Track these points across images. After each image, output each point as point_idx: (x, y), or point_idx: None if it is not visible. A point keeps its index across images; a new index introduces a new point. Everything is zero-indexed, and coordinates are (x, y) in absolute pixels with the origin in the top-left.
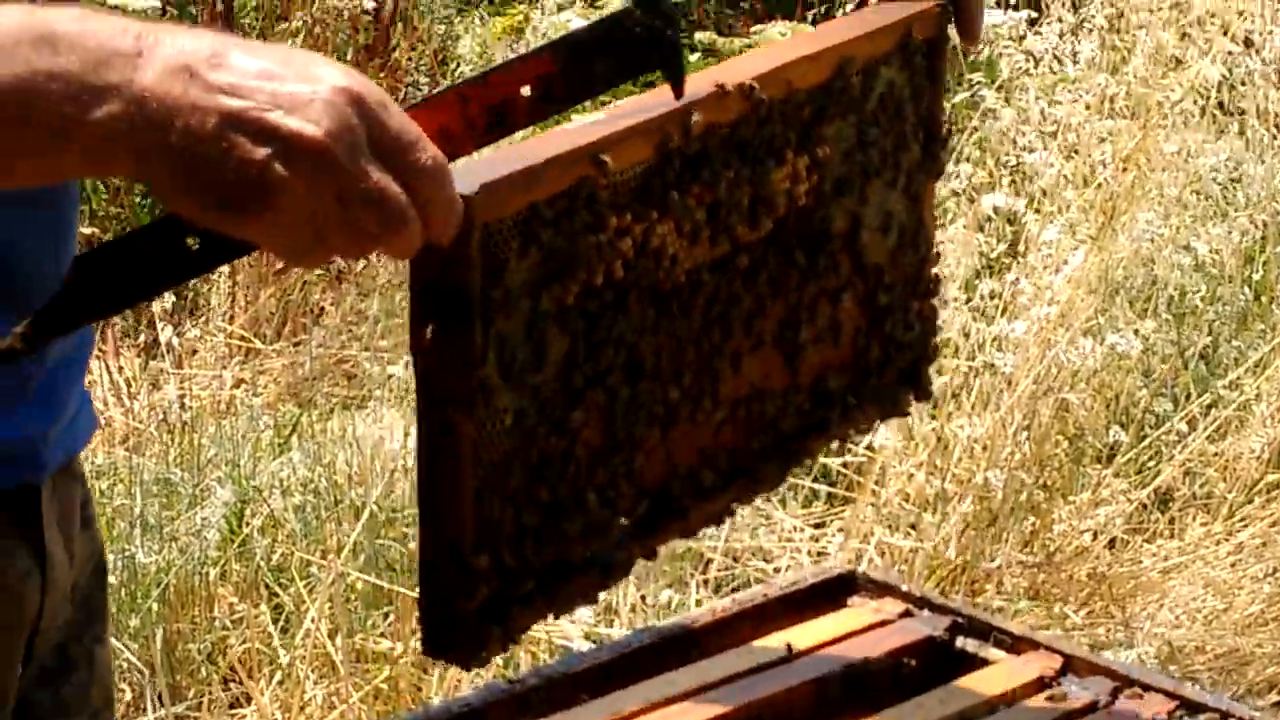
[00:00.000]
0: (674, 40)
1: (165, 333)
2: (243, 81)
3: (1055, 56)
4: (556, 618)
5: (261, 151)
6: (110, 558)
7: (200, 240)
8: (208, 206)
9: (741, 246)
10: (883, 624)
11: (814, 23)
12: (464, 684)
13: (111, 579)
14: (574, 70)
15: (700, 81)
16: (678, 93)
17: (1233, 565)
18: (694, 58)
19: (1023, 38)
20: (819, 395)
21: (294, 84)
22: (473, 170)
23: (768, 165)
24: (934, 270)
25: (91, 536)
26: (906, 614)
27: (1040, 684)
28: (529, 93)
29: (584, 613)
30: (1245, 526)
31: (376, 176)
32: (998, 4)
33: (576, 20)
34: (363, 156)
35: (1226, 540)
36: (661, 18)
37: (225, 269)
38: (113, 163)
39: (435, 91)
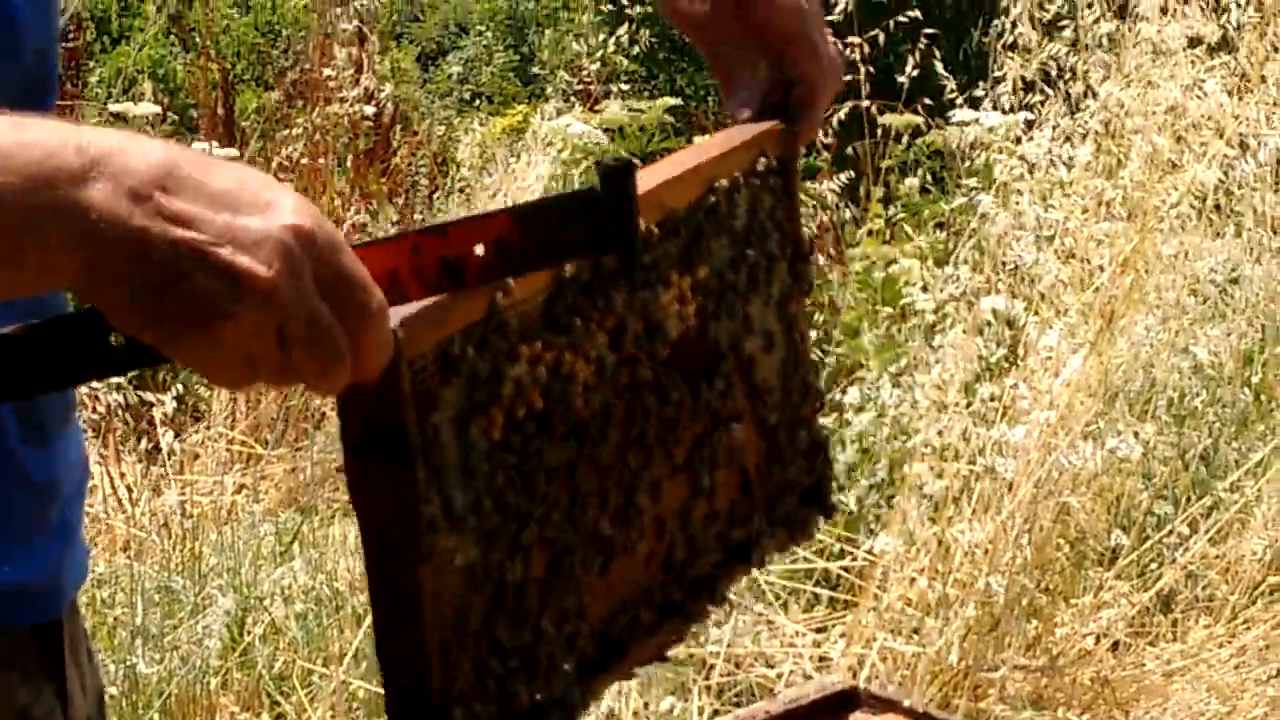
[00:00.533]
0: (633, 229)
1: (166, 438)
2: (196, 210)
3: (1051, 161)
4: None
5: (212, 286)
6: (111, 667)
7: (125, 343)
8: (146, 327)
9: (645, 372)
10: None
11: None
12: None
13: (112, 690)
14: (532, 237)
15: None
16: (630, 281)
17: (1236, 668)
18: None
19: (1018, 140)
20: (734, 522)
21: (248, 216)
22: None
23: (656, 289)
24: (817, 385)
25: (94, 668)
26: None
27: None
28: (483, 252)
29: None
30: (1248, 629)
31: (320, 319)
32: (994, 106)
33: (576, 125)
34: (309, 298)
35: (1229, 643)
36: (627, 203)
37: None
38: (59, 281)
39: (390, 234)
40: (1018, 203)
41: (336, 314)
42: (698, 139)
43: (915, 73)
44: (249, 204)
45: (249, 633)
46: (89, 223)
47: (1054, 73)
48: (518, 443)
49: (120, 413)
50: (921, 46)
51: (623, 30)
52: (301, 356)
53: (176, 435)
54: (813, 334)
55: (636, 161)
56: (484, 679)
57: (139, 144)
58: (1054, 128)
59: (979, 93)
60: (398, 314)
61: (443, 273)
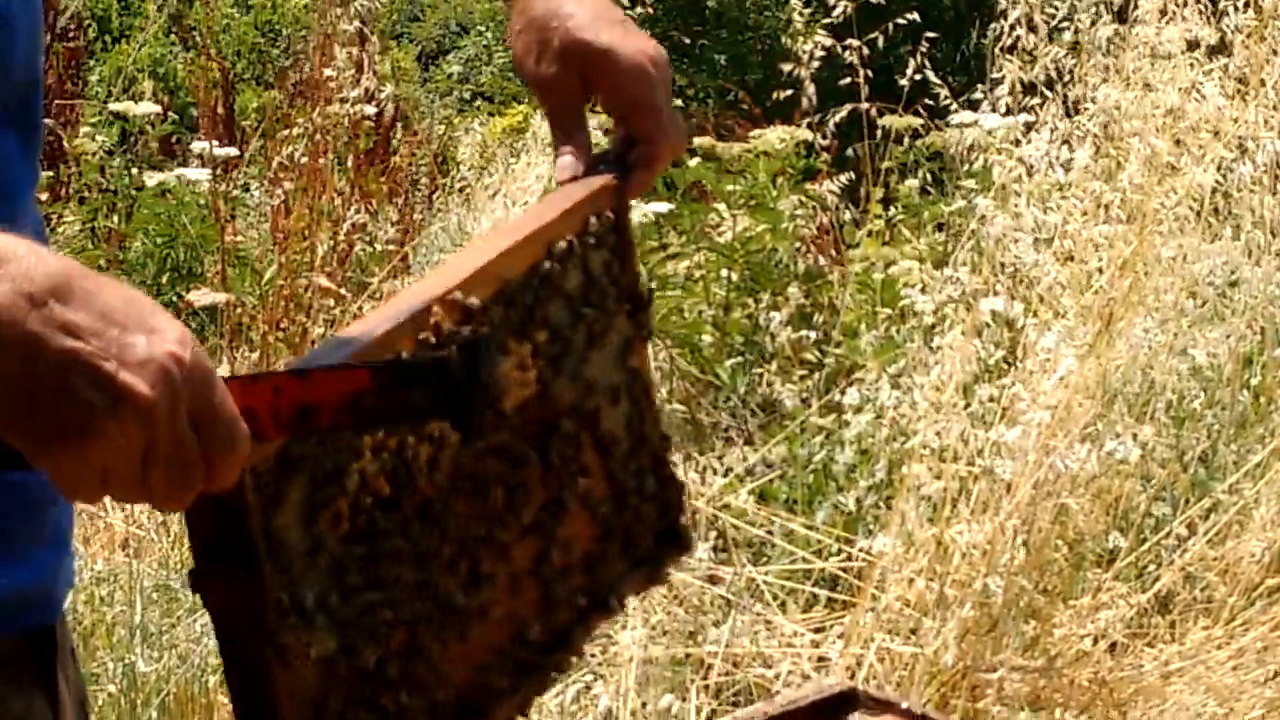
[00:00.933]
0: (478, 407)
1: None
2: (86, 322)
3: (1049, 164)
4: None
5: (93, 398)
6: (110, 665)
7: None
8: (14, 430)
9: (492, 440)
10: None
11: (810, 128)
12: None
13: (111, 688)
14: (385, 397)
15: (416, 296)
16: (465, 437)
17: (1234, 669)
18: (693, 162)
19: (1017, 142)
20: (592, 571)
21: (134, 335)
22: None
23: (496, 359)
24: (661, 430)
25: (78, 672)
26: None
27: None
28: (344, 401)
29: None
30: (1246, 630)
31: (186, 446)
32: (993, 109)
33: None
34: (181, 425)
35: (1227, 644)
36: (475, 380)
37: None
38: None
39: (257, 373)
40: (1016, 205)
41: (202, 443)
42: (699, 141)
43: (916, 76)
44: (136, 324)
45: None
46: None
47: (1053, 76)
48: (364, 532)
49: None
50: (922, 49)
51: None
52: (159, 478)
53: None
54: (812, 334)
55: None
56: None
57: (39, 253)
58: (1052, 130)
59: (978, 95)
60: None
61: (297, 418)
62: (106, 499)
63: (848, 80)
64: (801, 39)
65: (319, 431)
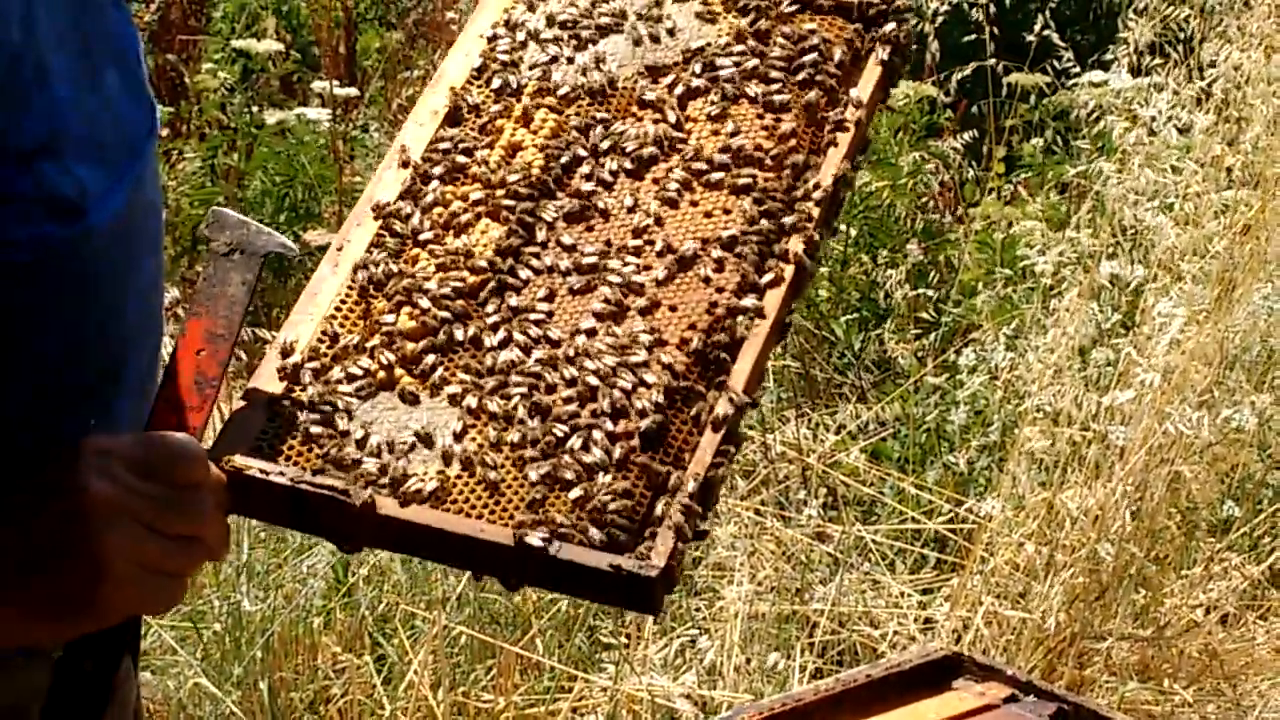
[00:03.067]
0: (257, 233)
1: None
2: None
3: (1173, 126)
4: None
5: (72, 529)
6: (215, 604)
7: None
8: (68, 617)
9: None
10: (987, 708)
11: (935, 84)
12: None
13: (216, 626)
14: (217, 305)
15: None
16: (286, 254)
17: None
18: None
19: (1145, 103)
20: None
21: (55, 474)
22: None
23: None
24: None
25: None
26: (1012, 698)
27: None
28: (203, 349)
29: (689, 676)
30: None
31: (155, 490)
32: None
33: None
34: (137, 482)
35: None
36: (234, 231)
37: None
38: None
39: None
40: (1137, 167)
41: (166, 478)
42: None
43: (1043, 33)
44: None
45: (353, 574)
46: None
47: (1178, 37)
48: None
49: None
50: (1051, 5)
51: None
52: (176, 524)
53: None
54: (930, 293)
55: None
56: None
57: None
58: (1175, 93)
59: (1107, 56)
60: None
61: (200, 389)
62: None
63: (973, 36)
64: None
65: (221, 378)
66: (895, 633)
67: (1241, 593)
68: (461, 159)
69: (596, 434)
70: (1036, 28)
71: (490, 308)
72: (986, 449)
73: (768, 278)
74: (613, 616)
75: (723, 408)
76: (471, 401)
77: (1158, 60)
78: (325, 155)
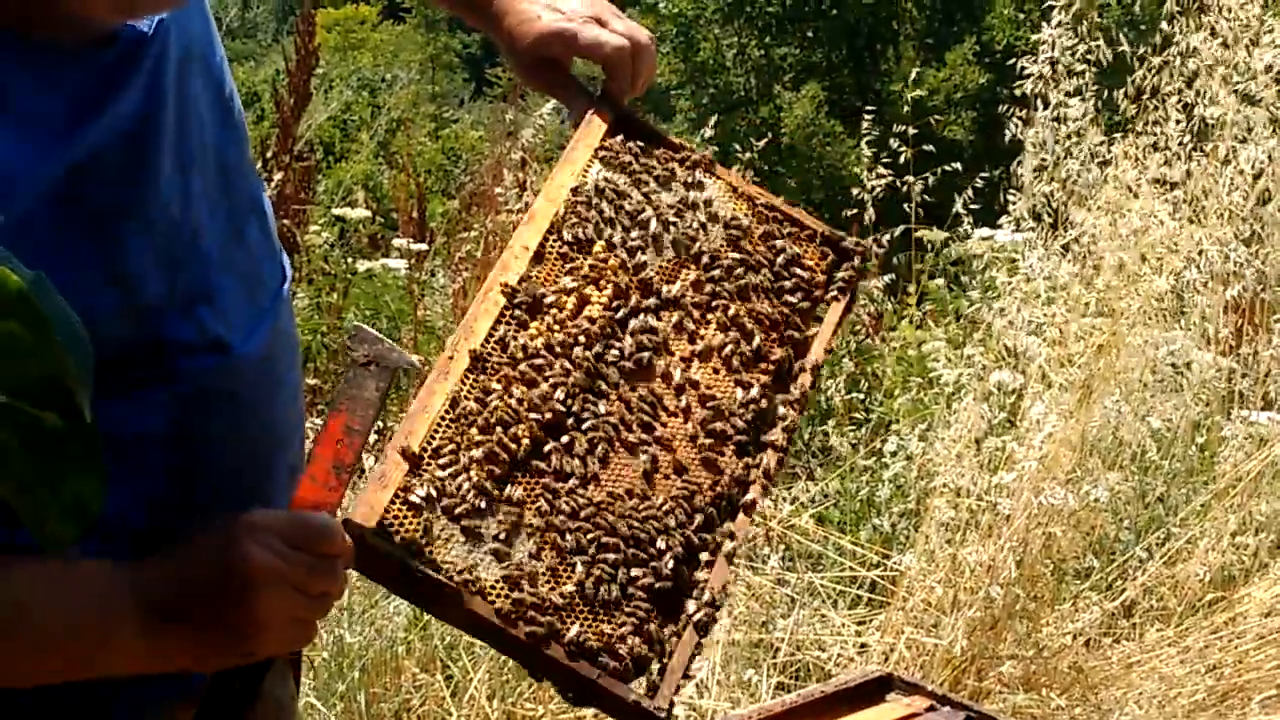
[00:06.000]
0: (390, 349)
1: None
2: (195, 568)
3: (1044, 273)
4: None
5: (241, 591)
6: (323, 636)
7: (240, 680)
8: (232, 652)
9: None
10: (913, 716)
11: (862, 236)
12: None
13: (324, 654)
14: (355, 406)
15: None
16: (408, 371)
17: (1181, 662)
18: None
19: (1021, 256)
20: None
21: (220, 538)
22: None
23: None
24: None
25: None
26: (931, 708)
27: None
28: (341, 440)
29: (687, 688)
30: (1191, 633)
31: (303, 559)
32: (1002, 228)
33: None
34: (288, 551)
35: (1177, 643)
36: (372, 343)
37: None
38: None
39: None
40: (1017, 304)
41: (312, 551)
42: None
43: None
44: (215, 533)
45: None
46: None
47: (1047, 207)
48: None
49: None
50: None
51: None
52: (318, 585)
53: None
54: (860, 396)
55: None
56: None
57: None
58: (1045, 246)
59: (1000, 220)
60: None
61: (336, 473)
62: None
63: (904, 206)
64: (868, 174)
65: (354, 466)
66: (839, 654)
67: (1100, 623)
68: (543, 304)
69: (631, 584)
70: (957, 203)
71: (564, 449)
72: (905, 515)
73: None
74: None
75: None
76: (542, 535)
77: (1033, 224)
78: (403, 295)
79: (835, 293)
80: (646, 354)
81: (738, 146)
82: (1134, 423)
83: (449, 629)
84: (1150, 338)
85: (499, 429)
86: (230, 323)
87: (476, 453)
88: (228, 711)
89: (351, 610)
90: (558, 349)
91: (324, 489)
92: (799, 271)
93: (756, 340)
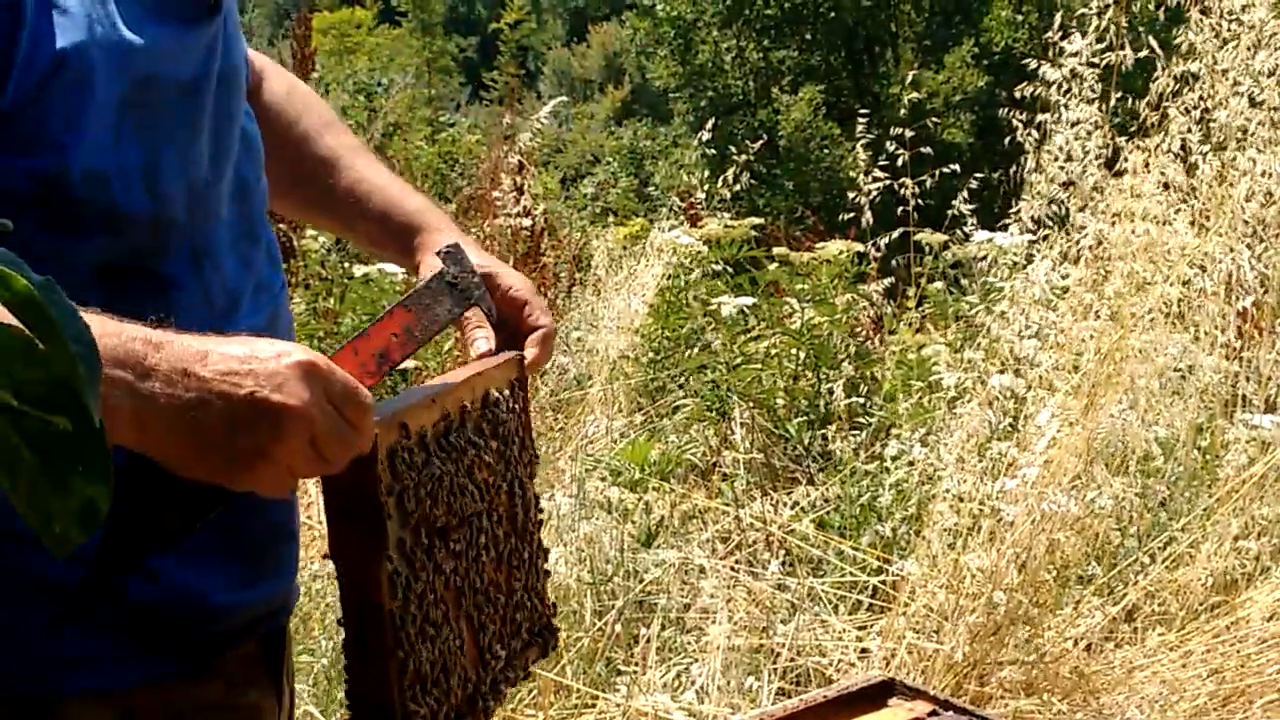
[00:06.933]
0: (477, 285)
1: None
2: (233, 367)
3: (1050, 278)
4: None
5: (264, 425)
6: (322, 643)
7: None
8: (216, 469)
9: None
10: None
11: (860, 239)
12: None
13: (324, 660)
14: (420, 319)
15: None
16: (490, 318)
17: (1183, 667)
18: (772, 266)
19: (1029, 259)
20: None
21: (270, 364)
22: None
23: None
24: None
25: (292, 694)
26: (934, 714)
27: None
28: (398, 335)
29: (688, 695)
30: (1192, 638)
31: (335, 420)
32: (1006, 232)
33: (684, 236)
34: (329, 410)
35: (1178, 647)
36: (465, 269)
37: None
38: (139, 440)
39: (338, 348)
40: (1022, 309)
41: (343, 414)
42: (776, 249)
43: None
44: (267, 354)
45: None
46: (151, 396)
47: (1054, 212)
48: (444, 521)
49: None
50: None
51: (729, 172)
52: (330, 450)
53: None
54: (861, 401)
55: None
56: (424, 684)
57: (181, 335)
58: (1052, 248)
59: (1007, 221)
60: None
61: (379, 361)
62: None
63: (902, 209)
64: (864, 177)
65: (397, 365)
66: (839, 660)
67: (1101, 628)
68: None
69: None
70: (955, 206)
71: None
72: (907, 520)
73: None
74: (625, 649)
75: None
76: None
77: (1033, 228)
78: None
79: None
80: None
81: (735, 149)
82: (1138, 429)
83: None
84: (1156, 344)
85: None
86: (233, 298)
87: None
88: (163, 528)
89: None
90: None
91: (361, 369)
92: None
93: None
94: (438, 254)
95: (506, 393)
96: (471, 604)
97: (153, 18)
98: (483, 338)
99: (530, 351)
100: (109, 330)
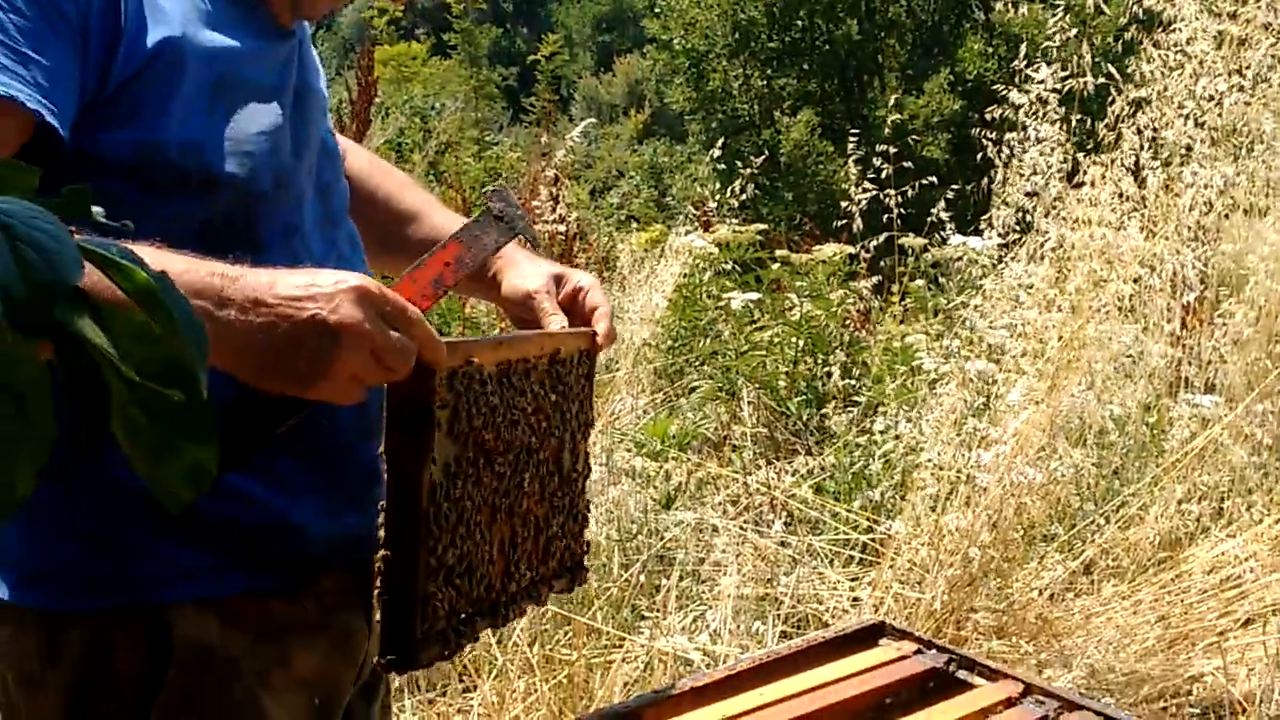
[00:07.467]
0: (520, 217)
1: None
2: (296, 293)
3: (1018, 277)
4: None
5: (324, 342)
6: None
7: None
8: (289, 383)
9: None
10: (903, 658)
11: (851, 243)
12: (620, 684)
13: None
14: (473, 245)
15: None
16: (535, 248)
17: (1134, 614)
18: (775, 266)
19: (1000, 260)
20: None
21: (329, 288)
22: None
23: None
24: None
25: None
26: (919, 651)
27: (1009, 702)
28: (450, 264)
29: (703, 637)
30: (1142, 588)
31: (393, 334)
32: (979, 236)
33: (698, 240)
34: (380, 324)
35: (1130, 597)
36: (510, 205)
37: None
38: (218, 357)
39: (397, 277)
40: (994, 303)
41: (398, 329)
42: (778, 252)
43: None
44: (327, 281)
45: None
46: (226, 323)
47: (1025, 216)
48: (490, 444)
49: None
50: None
51: (736, 184)
52: (390, 359)
53: None
54: (853, 383)
55: (503, 184)
56: (452, 580)
57: (251, 269)
58: (1022, 251)
59: (979, 227)
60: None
61: (434, 286)
62: None
63: (886, 216)
64: (855, 188)
65: (450, 289)
66: (834, 607)
67: (1063, 580)
68: None
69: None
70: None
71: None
72: (893, 486)
73: None
74: (648, 597)
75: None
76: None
77: (1002, 232)
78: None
79: None
80: None
81: (742, 164)
82: (1095, 407)
83: None
84: (1110, 333)
85: None
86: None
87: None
88: (252, 435)
89: None
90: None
91: (419, 294)
92: None
93: None
94: (484, 193)
95: (574, 358)
96: (506, 524)
97: (236, 28)
98: (555, 317)
99: (600, 326)
100: (192, 266)
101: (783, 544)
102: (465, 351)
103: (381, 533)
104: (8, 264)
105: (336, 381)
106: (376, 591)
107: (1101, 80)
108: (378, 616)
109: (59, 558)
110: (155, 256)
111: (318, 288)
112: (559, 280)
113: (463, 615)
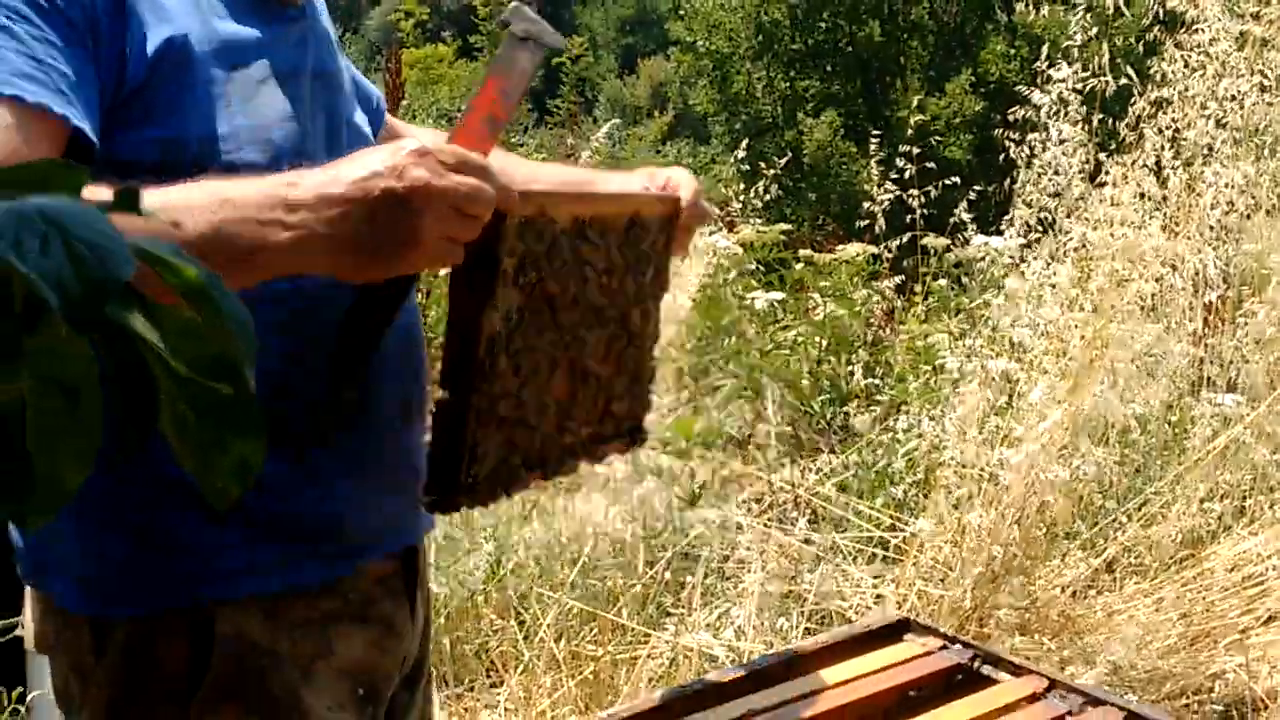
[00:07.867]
0: (546, 30)
1: None
2: (358, 175)
3: (1040, 276)
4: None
5: (402, 211)
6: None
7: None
8: (379, 264)
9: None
10: (928, 654)
11: (874, 243)
12: (645, 680)
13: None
14: (510, 72)
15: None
16: (559, 50)
17: (1156, 611)
18: (798, 266)
19: (1022, 259)
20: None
21: (390, 160)
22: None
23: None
24: (654, 360)
25: (427, 601)
26: (944, 647)
27: (1033, 698)
28: (496, 99)
29: (728, 633)
30: (1164, 586)
31: (464, 181)
32: (1001, 236)
33: (722, 240)
34: (450, 177)
35: (1152, 594)
36: (531, 21)
37: None
38: (310, 263)
39: (450, 129)
40: (1017, 302)
41: (463, 174)
42: (801, 252)
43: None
44: (385, 154)
45: (503, 568)
46: (299, 224)
47: (1044, 219)
48: (540, 299)
49: None
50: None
51: (760, 185)
52: (472, 208)
53: None
54: (876, 381)
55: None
56: (506, 429)
57: (310, 169)
58: (1044, 251)
59: (1001, 227)
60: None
61: (489, 126)
62: None
63: (909, 217)
64: (877, 189)
65: (505, 122)
66: (858, 604)
67: (1086, 577)
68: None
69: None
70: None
71: None
72: (916, 484)
73: None
74: (673, 594)
75: None
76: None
77: (1023, 232)
78: None
79: None
80: None
81: (765, 165)
82: (1118, 405)
83: (523, 581)
84: (1133, 333)
85: None
86: None
87: None
88: (372, 326)
89: (437, 565)
90: None
91: (476, 139)
92: None
93: None
94: (499, 21)
95: (654, 223)
96: (565, 379)
97: (246, 15)
98: (639, 182)
99: (685, 193)
100: (253, 185)
101: (807, 541)
102: (539, 202)
103: (437, 371)
104: (61, 261)
105: (428, 246)
106: (428, 433)
107: (1123, 81)
108: (427, 450)
109: (105, 551)
110: (215, 184)
111: (376, 162)
112: (654, 178)
113: (511, 464)
